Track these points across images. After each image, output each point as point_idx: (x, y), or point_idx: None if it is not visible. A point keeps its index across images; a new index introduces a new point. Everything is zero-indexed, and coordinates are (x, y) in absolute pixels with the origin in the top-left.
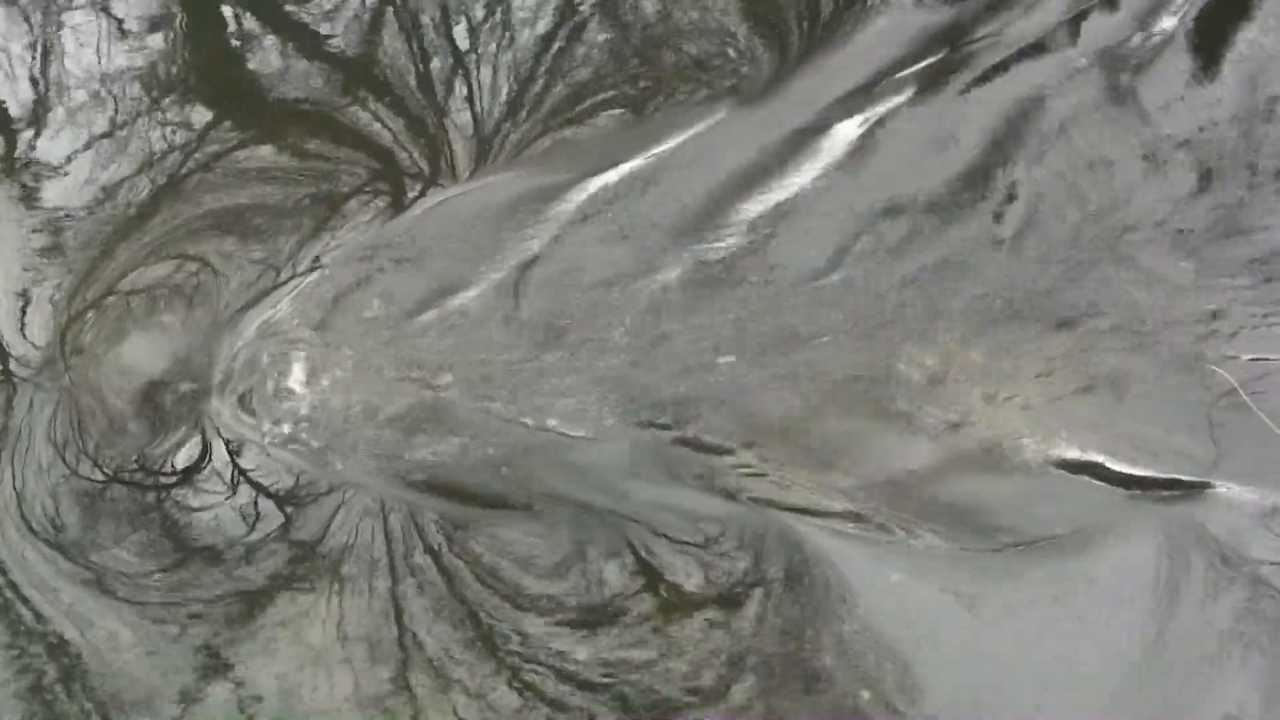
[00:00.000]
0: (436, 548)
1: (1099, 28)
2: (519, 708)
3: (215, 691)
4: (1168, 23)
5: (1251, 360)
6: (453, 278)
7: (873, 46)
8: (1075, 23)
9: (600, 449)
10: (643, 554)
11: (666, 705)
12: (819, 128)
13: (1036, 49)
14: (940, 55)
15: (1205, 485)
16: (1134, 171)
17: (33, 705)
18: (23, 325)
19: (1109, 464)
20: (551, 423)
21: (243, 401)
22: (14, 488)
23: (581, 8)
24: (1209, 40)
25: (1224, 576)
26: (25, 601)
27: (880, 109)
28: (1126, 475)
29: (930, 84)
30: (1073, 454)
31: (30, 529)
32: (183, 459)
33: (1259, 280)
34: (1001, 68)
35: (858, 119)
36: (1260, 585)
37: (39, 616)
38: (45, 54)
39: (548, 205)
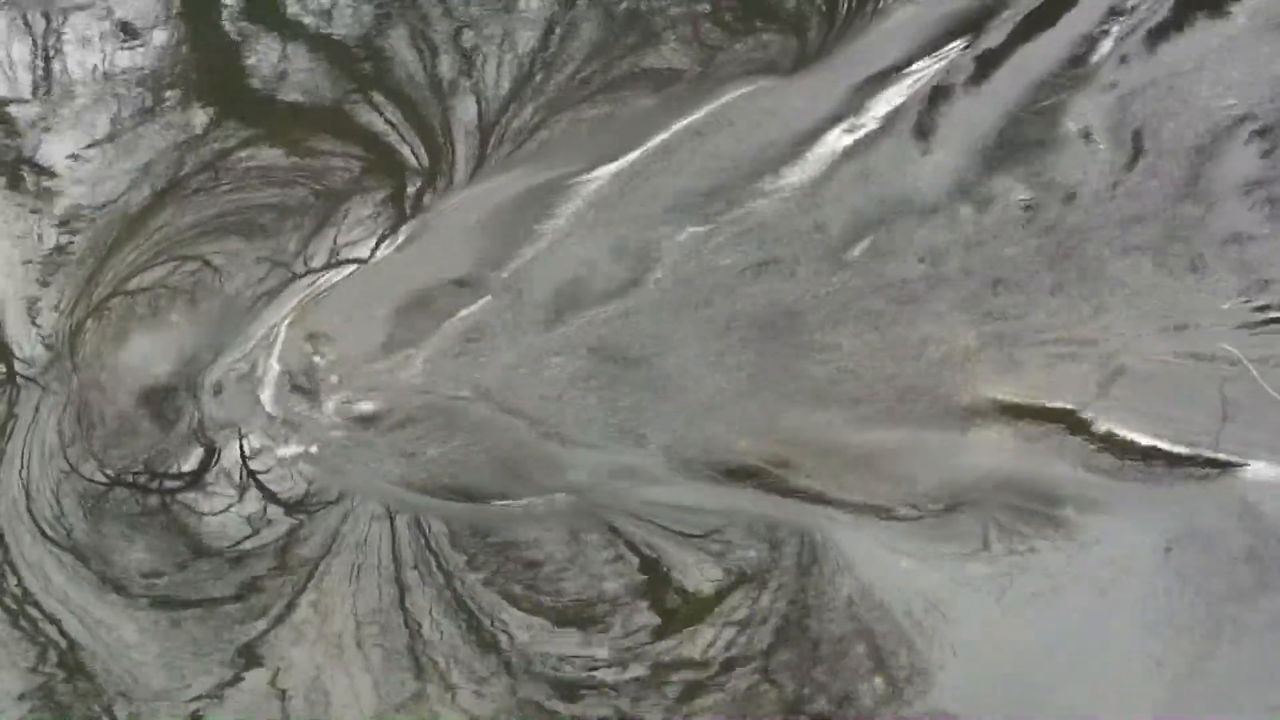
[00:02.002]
0: (443, 550)
1: None
2: (523, 707)
3: (220, 690)
4: None
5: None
6: (462, 278)
7: (896, 32)
8: None
9: (611, 444)
10: (649, 552)
11: (675, 702)
12: (831, 121)
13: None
14: (966, 38)
15: (1219, 459)
16: (1155, 155)
17: (41, 705)
18: (31, 326)
19: (1125, 435)
20: (563, 418)
21: (242, 400)
22: (22, 485)
23: None
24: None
25: (1243, 549)
26: (34, 601)
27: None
28: (1143, 448)
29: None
30: (1088, 427)
31: (40, 530)
32: (191, 461)
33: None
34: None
35: (869, 114)
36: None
37: (47, 615)
38: (49, 56)
39: (562, 199)
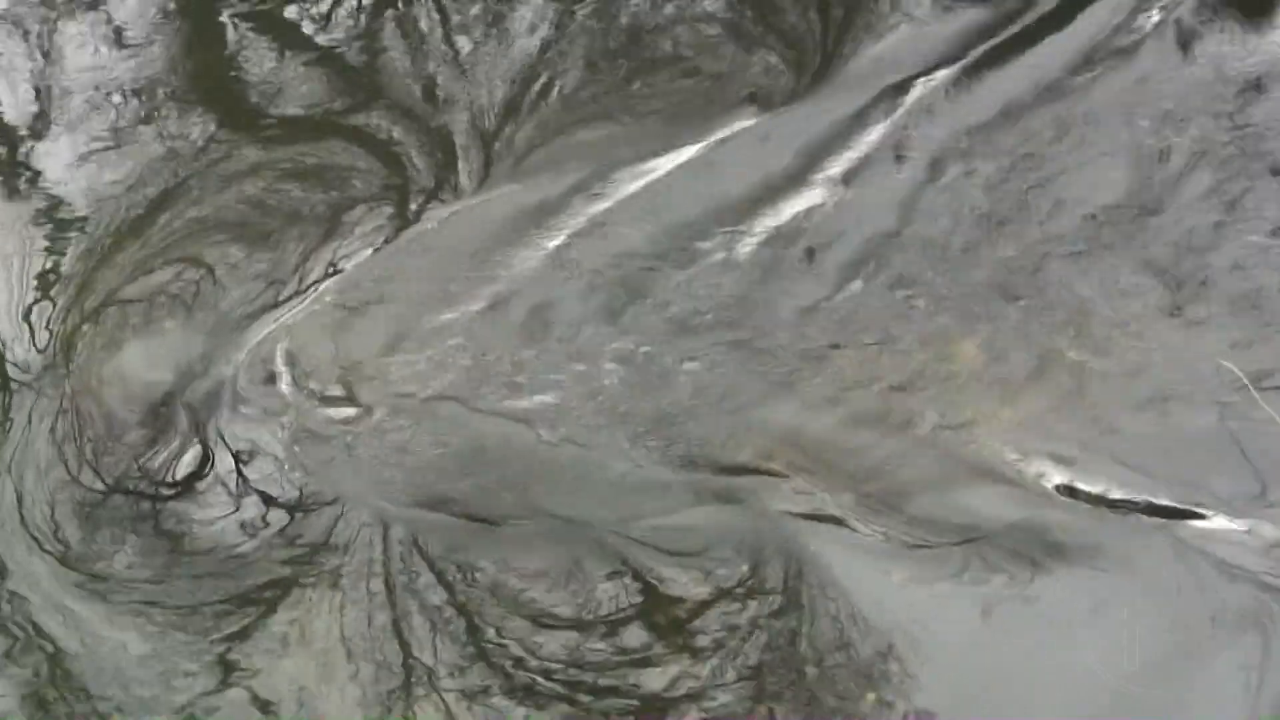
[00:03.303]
0: (436, 560)
1: None
2: (517, 710)
3: (213, 698)
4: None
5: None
6: (455, 291)
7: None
8: None
9: (600, 459)
10: (643, 561)
11: (672, 708)
12: (835, 139)
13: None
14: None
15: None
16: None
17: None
18: (25, 331)
19: (1108, 492)
20: (554, 433)
21: (238, 408)
22: (15, 494)
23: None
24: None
25: (1226, 590)
26: (25, 609)
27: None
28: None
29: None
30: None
31: (31, 537)
32: (183, 466)
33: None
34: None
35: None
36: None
37: (37, 623)
38: (47, 59)
39: (557, 214)
